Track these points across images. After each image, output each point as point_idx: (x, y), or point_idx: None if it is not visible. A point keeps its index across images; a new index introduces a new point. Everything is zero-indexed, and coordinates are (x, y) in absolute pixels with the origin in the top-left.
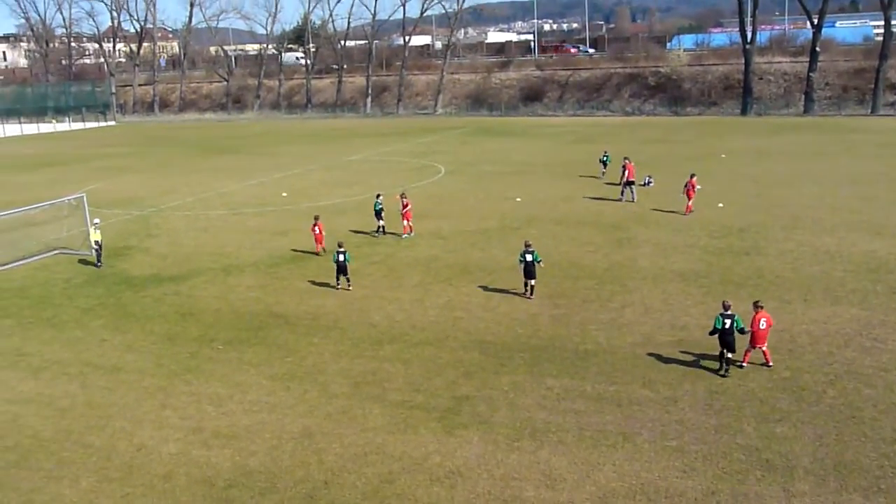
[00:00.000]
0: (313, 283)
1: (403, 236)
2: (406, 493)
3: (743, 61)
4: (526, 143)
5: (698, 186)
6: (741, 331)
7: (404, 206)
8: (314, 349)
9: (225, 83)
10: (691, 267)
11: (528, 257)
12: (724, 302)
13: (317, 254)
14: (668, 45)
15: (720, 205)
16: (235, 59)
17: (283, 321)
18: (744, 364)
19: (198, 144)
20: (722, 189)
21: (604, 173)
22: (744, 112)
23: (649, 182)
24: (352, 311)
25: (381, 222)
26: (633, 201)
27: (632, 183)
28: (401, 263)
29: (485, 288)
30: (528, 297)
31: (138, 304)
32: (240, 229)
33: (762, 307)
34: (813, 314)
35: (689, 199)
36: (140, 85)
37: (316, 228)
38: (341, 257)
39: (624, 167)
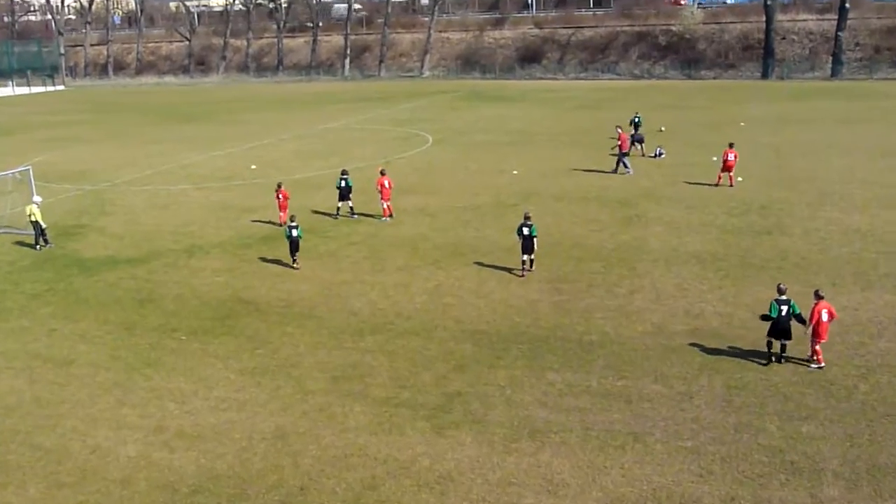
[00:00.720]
0: (287, 265)
1: (383, 219)
2: (391, 499)
3: (764, 19)
4: (523, 109)
5: (730, 156)
6: (798, 318)
7: (383, 185)
8: (288, 340)
9: (187, 43)
10: (707, 248)
11: (526, 231)
12: (778, 286)
13: (280, 224)
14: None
15: (739, 179)
16: (198, 15)
17: (254, 308)
18: (821, 364)
19: (157, 111)
20: (741, 161)
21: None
22: (764, 75)
23: (660, 153)
24: (330, 297)
25: (349, 203)
26: (628, 173)
27: (626, 154)
28: (384, 244)
29: (478, 271)
30: (521, 276)
31: (91, 289)
32: (204, 206)
33: (823, 297)
34: (842, 300)
35: (725, 170)
36: (92, 45)
37: (279, 196)
38: (294, 232)
39: (618, 137)
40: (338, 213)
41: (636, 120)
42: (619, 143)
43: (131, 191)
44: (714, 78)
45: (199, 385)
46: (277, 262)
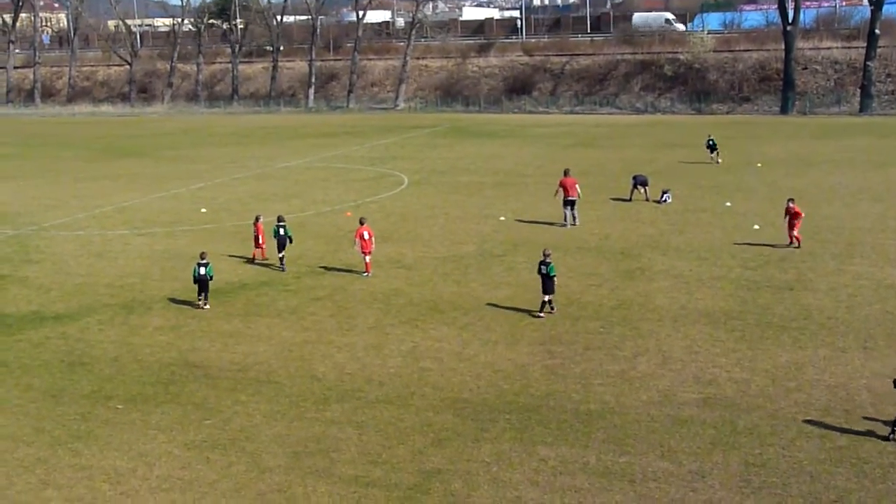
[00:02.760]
0: (241, 323)
1: (364, 275)
2: None
3: (783, 47)
4: (511, 147)
5: (791, 206)
6: None
7: (363, 235)
8: (242, 409)
9: (127, 67)
10: (720, 305)
11: (544, 269)
12: None
13: (252, 259)
14: (690, 25)
15: (756, 227)
16: (141, 36)
17: (202, 373)
18: None
19: (92, 145)
20: (758, 207)
21: (716, 159)
22: (784, 110)
23: (665, 198)
24: (290, 360)
25: (282, 253)
26: (567, 225)
27: (572, 202)
28: (353, 299)
29: (460, 331)
30: (540, 316)
31: (12, 350)
32: (146, 254)
33: None
34: (875, 365)
35: (793, 228)
36: (16, 67)
37: (256, 230)
38: (202, 270)
39: (561, 183)
40: (282, 265)
41: (711, 142)
42: (563, 189)
43: (61, 236)
44: (727, 112)
45: (138, 462)
46: (230, 319)
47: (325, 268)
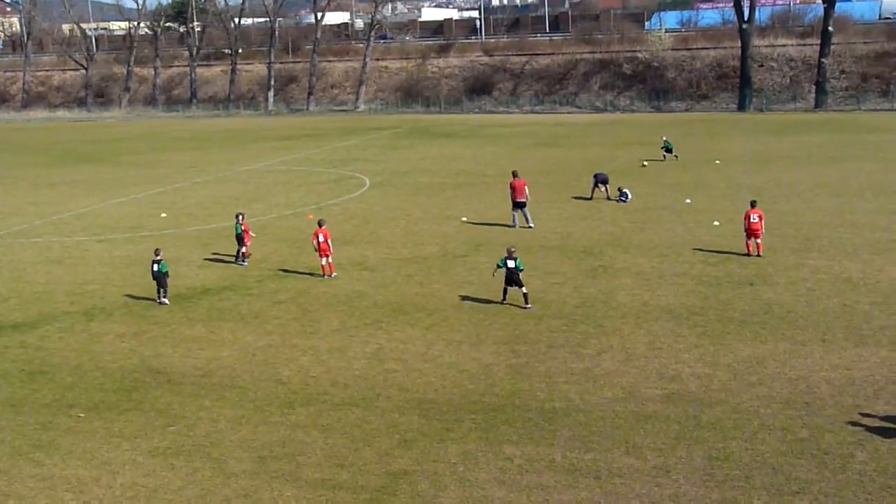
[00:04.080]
0: (204, 328)
1: (331, 276)
2: None
3: (739, 44)
4: (472, 147)
5: (754, 217)
6: None
7: (319, 237)
8: (206, 415)
9: (83, 71)
10: (682, 301)
11: (511, 263)
12: None
13: (236, 257)
14: (647, 24)
15: (716, 223)
16: (97, 40)
17: (165, 379)
18: None
19: (48, 151)
20: (717, 204)
21: (669, 156)
22: (741, 107)
23: (624, 196)
24: (254, 364)
25: (243, 248)
26: (515, 227)
27: (522, 204)
28: (316, 302)
29: (424, 332)
30: (529, 307)
31: None
32: (106, 261)
33: None
34: (834, 358)
35: (750, 237)
36: None
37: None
38: (155, 266)
39: (511, 185)
40: (242, 259)
41: (666, 145)
42: (514, 191)
43: (18, 244)
44: (685, 110)
45: (101, 470)
46: (192, 324)
47: (287, 271)
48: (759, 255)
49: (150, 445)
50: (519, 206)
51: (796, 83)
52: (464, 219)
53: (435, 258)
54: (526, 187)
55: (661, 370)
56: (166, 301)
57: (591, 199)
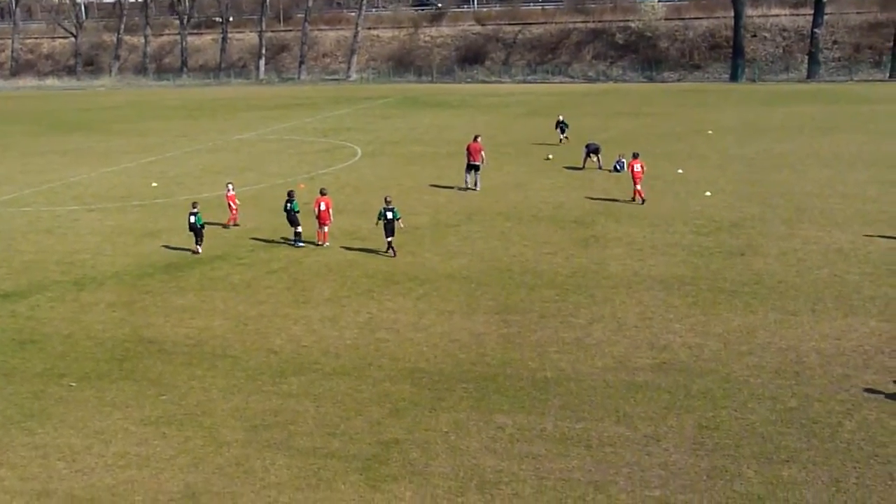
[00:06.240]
0: (196, 297)
1: (324, 244)
2: None
3: (732, 14)
4: (464, 116)
5: (636, 167)
6: None
7: (321, 206)
8: (198, 384)
9: (73, 39)
10: (673, 271)
11: (389, 215)
12: None
13: (225, 225)
14: None
15: (707, 193)
16: (86, 7)
17: (157, 349)
18: None
19: (38, 120)
20: (709, 174)
21: (563, 140)
22: (734, 78)
23: (620, 166)
24: (245, 333)
25: (298, 228)
26: (468, 188)
27: (475, 167)
28: (307, 272)
29: (416, 302)
30: (393, 256)
31: None
32: (97, 230)
33: None
34: (823, 328)
35: (635, 182)
36: None
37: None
38: (192, 219)
39: (467, 147)
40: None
41: (562, 125)
42: (470, 153)
43: (7, 213)
44: (678, 80)
45: (94, 439)
46: (184, 294)
47: (279, 241)
48: (643, 202)
49: (142, 414)
50: (473, 168)
51: (789, 53)
52: (456, 188)
53: (426, 227)
54: (482, 152)
55: (652, 340)
56: (199, 250)
57: (582, 168)
